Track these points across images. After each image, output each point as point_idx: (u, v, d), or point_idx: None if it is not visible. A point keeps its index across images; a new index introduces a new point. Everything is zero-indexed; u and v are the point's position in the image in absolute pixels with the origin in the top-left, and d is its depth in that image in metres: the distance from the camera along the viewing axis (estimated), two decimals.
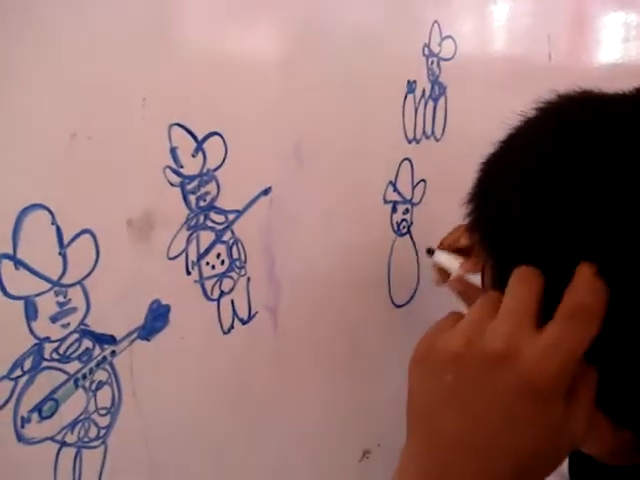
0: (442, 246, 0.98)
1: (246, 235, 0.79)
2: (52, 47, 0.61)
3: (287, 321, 0.86)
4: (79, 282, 0.65)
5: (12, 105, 0.59)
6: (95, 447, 0.70)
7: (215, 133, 0.73)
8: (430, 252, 0.99)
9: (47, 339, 0.64)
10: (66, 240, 0.64)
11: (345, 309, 0.95)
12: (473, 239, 0.52)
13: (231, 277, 0.79)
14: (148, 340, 0.72)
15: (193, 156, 0.72)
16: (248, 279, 0.80)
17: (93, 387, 0.69)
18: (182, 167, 0.71)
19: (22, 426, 0.64)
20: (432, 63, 0.98)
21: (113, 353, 0.70)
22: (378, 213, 0.97)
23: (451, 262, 0.94)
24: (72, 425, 0.68)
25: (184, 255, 0.73)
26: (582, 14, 1.32)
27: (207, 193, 0.74)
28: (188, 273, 0.74)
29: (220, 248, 0.77)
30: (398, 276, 1.02)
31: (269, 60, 0.79)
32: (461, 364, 0.44)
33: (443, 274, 0.97)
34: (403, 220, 1.00)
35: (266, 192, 0.80)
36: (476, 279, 0.89)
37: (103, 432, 0.71)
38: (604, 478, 0.55)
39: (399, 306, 1.04)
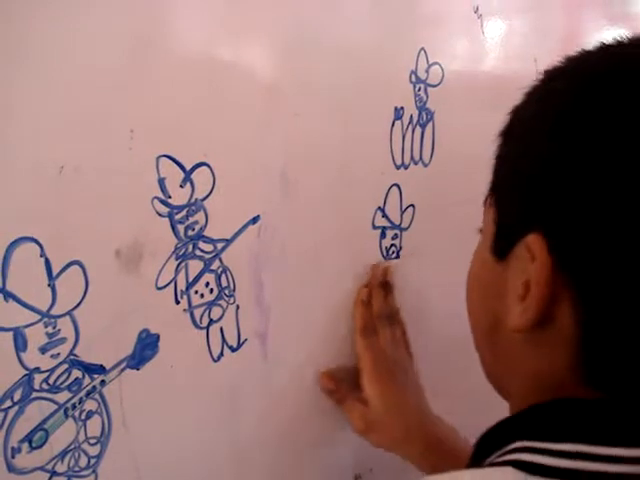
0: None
1: (235, 263, 0.80)
2: (37, 78, 0.62)
3: (277, 348, 0.86)
4: (68, 313, 0.66)
5: None
6: (85, 476, 0.71)
7: (203, 163, 0.74)
8: None
9: (37, 369, 0.65)
10: (55, 272, 0.64)
11: (336, 335, 0.95)
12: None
13: (220, 305, 0.79)
14: (137, 369, 0.73)
15: (181, 186, 0.73)
16: (237, 307, 0.81)
17: (83, 416, 0.69)
18: (170, 197, 0.72)
19: (12, 456, 0.64)
20: (419, 90, 0.99)
21: (103, 382, 0.70)
22: (367, 238, 0.98)
23: None
24: (62, 455, 0.68)
25: (173, 284, 0.74)
26: (571, 34, 1.33)
27: (195, 222, 0.75)
28: (177, 302, 0.75)
29: (209, 277, 0.77)
30: None
31: (255, 88, 0.79)
32: None
33: None
34: (392, 245, 1.01)
35: (254, 220, 0.80)
36: None
37: (93, 461, 0.71)
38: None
39: None
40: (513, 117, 0.59)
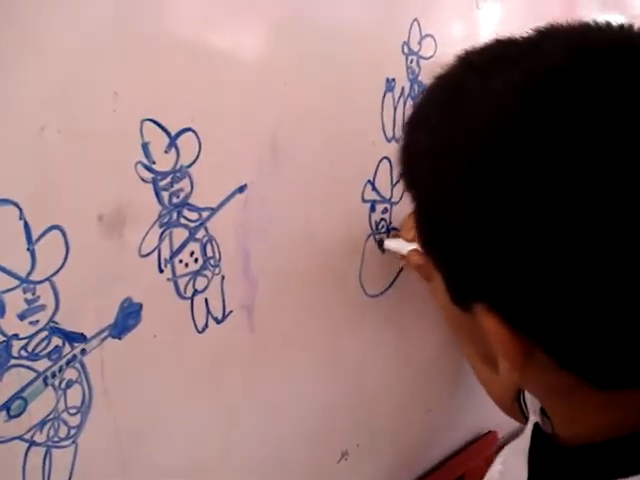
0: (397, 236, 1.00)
1: (220, 233, 0.78)
2: (21, 38, 0.60)
3: (263, 320, 0.85)
4: (48, 279, 0.64)
5: None
6: (65, 447, 0.69)
7: (188, 129, 0.72)
8: (381, 245, 1.00)
9: (15, 336, 0.63)
10: (35, 236, 0.63)
11: (323, 309, 0.94)
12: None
13: (205, 275, 0.78)
14: (120, 338, 0.71)
15: (166, 152, 0.71)
16: (222, 277, 0.79)
17: (63, 385, 0.68)
18: (154, 163, 0.70)
19: None
20: (412, 61, 0.98)
21: (83, 351, 0.69)
22: (356, 212, 0.96)
23: (401, 245, 0.97)
24: (41, 424, 0.67)
25: (156, 252, 0.72)
26: (570, 16, 1.31)
27: (180, 190, 0.73)
28: (161, 271, 0.73)
29: (194, 246, 0.76)
30: (373, 274, 1.01)
31: (245, 55, 0.78)
32: None
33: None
34: (382, 219, 0.99)
35: (241, 189, 0.79)
36: None
37: (73, 431, 0.70)
38: (562, 463, 0.54)
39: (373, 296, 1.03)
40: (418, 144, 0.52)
